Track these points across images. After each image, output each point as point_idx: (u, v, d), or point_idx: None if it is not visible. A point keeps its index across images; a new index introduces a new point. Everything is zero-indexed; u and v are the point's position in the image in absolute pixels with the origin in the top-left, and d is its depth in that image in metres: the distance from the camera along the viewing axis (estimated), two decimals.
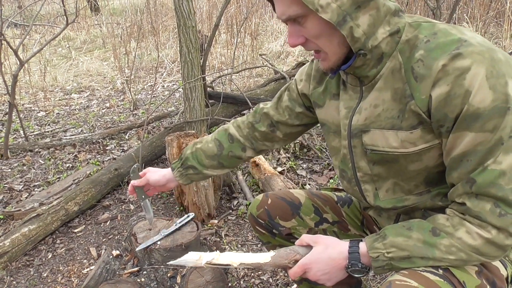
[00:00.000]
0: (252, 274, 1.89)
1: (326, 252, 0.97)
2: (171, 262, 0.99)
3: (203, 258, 0.95)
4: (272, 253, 1.00)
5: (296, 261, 1.00)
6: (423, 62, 0.86)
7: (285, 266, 1.01)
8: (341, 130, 1.06)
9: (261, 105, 1.32)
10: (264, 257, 0.98)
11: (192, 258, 0.94)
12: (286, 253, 1.00)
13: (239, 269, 1.91)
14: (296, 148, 2.94)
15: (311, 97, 1.17)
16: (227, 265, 0.95)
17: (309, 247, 1.01)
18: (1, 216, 2.36)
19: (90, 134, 3.50)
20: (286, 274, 1.81)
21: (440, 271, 0.88)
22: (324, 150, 2.91)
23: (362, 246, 0.95)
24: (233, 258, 0.95)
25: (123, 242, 1.94)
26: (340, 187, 1.45)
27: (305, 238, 1.02)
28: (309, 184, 2.57)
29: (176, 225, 1.81)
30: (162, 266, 1.73)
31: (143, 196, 1.44)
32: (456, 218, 0.88)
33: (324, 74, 1.13)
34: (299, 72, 1.22)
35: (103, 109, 4.25)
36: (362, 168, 1.03)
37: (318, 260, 0.97)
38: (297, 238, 1.28)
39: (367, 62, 0.92)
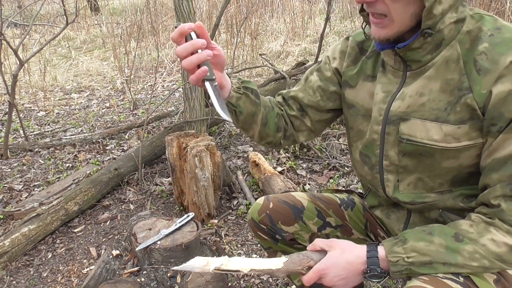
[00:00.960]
0: (252, 273, 1.89)
1: (343, 256, 0.94)
2: (175, 268, 0.93)
3: (211, 264, 0.89)
4: (284, 259, 0.95)
5: (309, 267, 0.95)
6: (487, 56, 0.83)
7: (298, 272, 0.96)
8: (372, 114, 1.01)
9: (283, 92, 1.21)
10: (276, 263, 0.93)
11: (199, 264, 0.89)
12: (299, 259, 0.96)
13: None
14: (296, 148, 2.94)
15: (343, 75, 1.11)
16: (236, 271, 0.90)
17: (322, 252, 0.97)
18: (1, 216, 2.36)
19: (90, 134, 3.50)
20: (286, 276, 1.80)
21: (461, 279, 0.86)
22: (324, 150, 2.91)
23: (381, 250, 0.92)
24: (243, 264, 0.90)
25: (123, 242, 1.94)
26: (340, 188, 1.43)
27: (319, 242, 0.99)
28: (309, 184, 2.57)
29: (176, 224, 1.81)
30: (162, 266, 1.73)
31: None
32: (481, 225, 0.87)
33: (360, 53, 1.08)
34: (331, 51, 1.15)
35: (103, 109, 4.25)
36: (390, 157, 1.00)
37: (335, 265, 0.94)
38: (300, 244, 1.24)
39: (424, 46, 0.88)
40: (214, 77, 0.92)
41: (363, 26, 1.02)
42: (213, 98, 0.91)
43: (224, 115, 0.91)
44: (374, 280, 0.94)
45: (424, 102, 0.91)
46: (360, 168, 1.10)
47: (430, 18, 0.83)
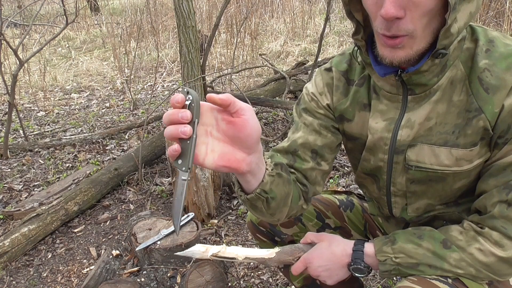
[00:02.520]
0: (252, 273, 1.89)
1: (329, 248, 0.97)
2: (178, 253, 0.99)
3: (210, 251, 0.95)
4: (277, 249, 1.01)
5: (300, 258, 1.01)
6: (491, 72, 0.81)
7: (289, 263, 1.01)
8: (372, 142, 0.95)
9: (284, 147, 1.01)
10: (269, 252, 0.99)
11: (199, 250, 0.95)
12: (291, 250, 1.01)
13: (243, 263, 1.91)
14: None
15: (335, 111, 1.01)
16: (232, 258, 0.96)
17: (314, 244, 1.01)
18: (1, 216, 2.36)
19: (90, 134, 3.50)
20: None
21: (450, 280, 0.87)
22: None
23: (368, 246, 0.94)
24: (239, 252, 0.96)
25: (123, 242, 1.94)
26: (340, 188, 1.42)
27: (310, 235, 1.02)
28: None
29: None
30: (162, 266, 1.73)
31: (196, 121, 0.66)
32: (471, 233, 0.86)
33: (347, 84, 0.99)
34: (313, 86, 1.03)
35: (103, 109, 4.25)
36: (397, 185, 0.97)
37: (320, 255, 0.97)
38: None
39: (432, 69, 0.81)
40: (184, 168, 0.65)
41: (355, 52, 0.95)
42: (174, 197, 0.65)
43: (175, 226, 0.67)
44: (357, 274, 0.96)
45: (431, 126, 0.87)
46: (368, 184, 1.07)
47: (447, 37, 0.75)
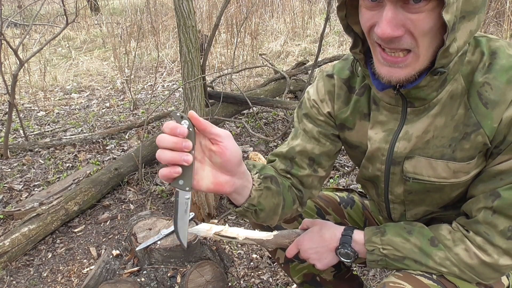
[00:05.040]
0: (252, 273, 1.89)
1: (320, 231, 1.01)
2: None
3: (213, 229, 1.02)
4: (275, 232, 1.08)
5: None
6: (491, 86, 0.79)
7: (285, 245, 1.08)
8: (371, 151, 0.96)
9: (283, 152, 1.06)
10: (267, 234, 1.06)
11: (204, 228, 1.02)
12: (288, 233, 1.09)
13: (243, 263, 1.91)
14: None
15: (336, 119, 1.02)
16: (233, 237, 1.02)
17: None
18: (1, 216, 2.36)
19: (90, 133, 3.50)
20: (286, 274, 1.81)
21: (434, 276, 0.89)
22: None
23: (357, 233, 0.97)
24: (240, 232, 1.02)
25: (123, 242, 1.94)
26: (341, 187, 1.43)
27: (306, 221, 1.07)
28: None
29: None
30: (162, 266, 1.73)
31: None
32: (458, 233, 0.88)
33: (349, 92, 0.99)
34: (315, 92, 1.03)
35: (103, 109, 4.25)
36: (395, 194, 0.98)
37: (310, 238, 1.02)
38: None
39: (431, 83, 0.80)
40: (187, 188, 0.72)
41: (354, 64, 0.96)
42: (176, 214, 0.73)
43: (182, 240, 0.75)
44: (344, 259, 0.99)
45: (428, 139, 0.87)
46: (368, 187, 1.08)
47: (445, 57, 0.74)
